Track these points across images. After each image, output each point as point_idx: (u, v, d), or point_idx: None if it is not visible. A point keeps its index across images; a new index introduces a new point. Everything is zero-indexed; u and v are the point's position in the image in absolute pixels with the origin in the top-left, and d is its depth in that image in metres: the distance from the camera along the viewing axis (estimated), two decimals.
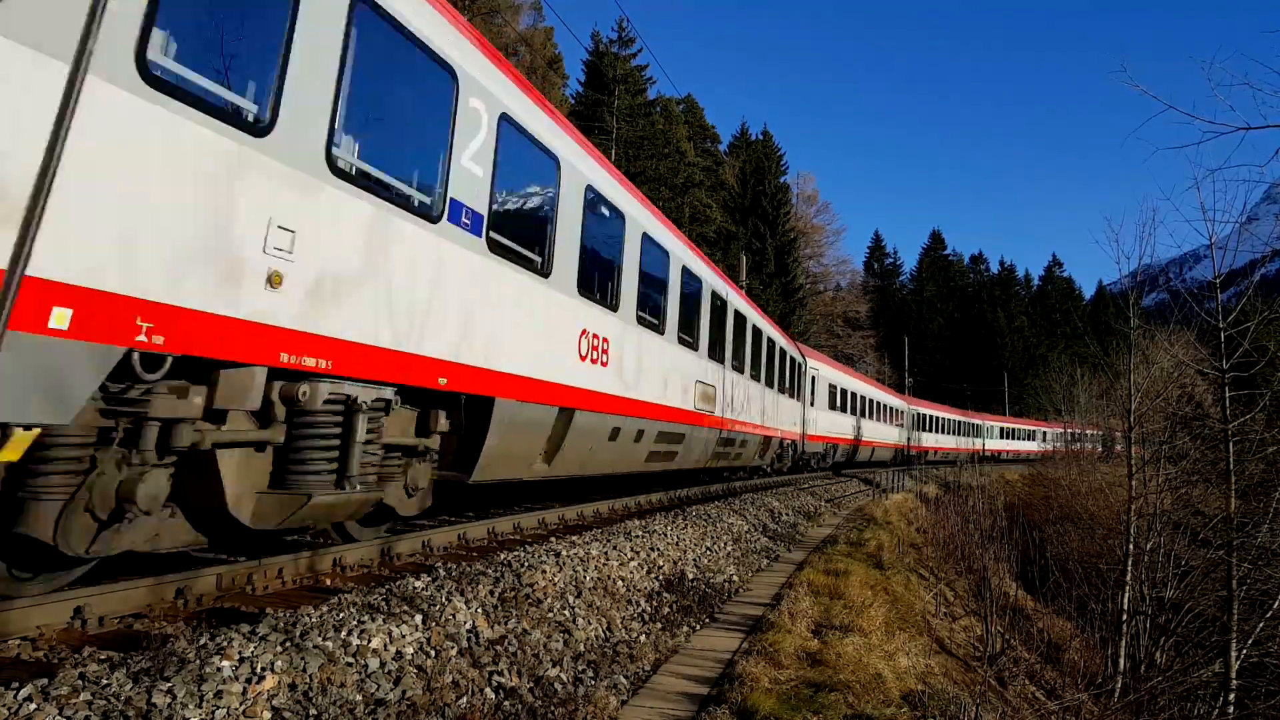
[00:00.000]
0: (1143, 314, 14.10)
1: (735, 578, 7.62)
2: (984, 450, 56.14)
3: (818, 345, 56.01)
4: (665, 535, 7.78)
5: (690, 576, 6.95)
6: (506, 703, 3.64)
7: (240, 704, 2.84)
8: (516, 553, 5.69)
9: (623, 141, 42.27)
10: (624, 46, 45.64)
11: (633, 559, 6.51)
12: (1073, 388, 32.24)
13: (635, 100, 43.97)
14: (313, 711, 2.98)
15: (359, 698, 3.18)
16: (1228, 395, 10.25)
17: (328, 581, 5.13)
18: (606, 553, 6.33)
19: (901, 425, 40.91)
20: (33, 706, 2.54)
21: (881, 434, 35.31)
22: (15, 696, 2.58)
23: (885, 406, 36.62)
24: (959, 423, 54.73)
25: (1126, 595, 11.00)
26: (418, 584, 4.45)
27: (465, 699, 3.53)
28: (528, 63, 37.86)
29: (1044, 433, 69.62)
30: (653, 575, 6.48)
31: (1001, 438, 63.10)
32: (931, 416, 48.83)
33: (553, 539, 6.77)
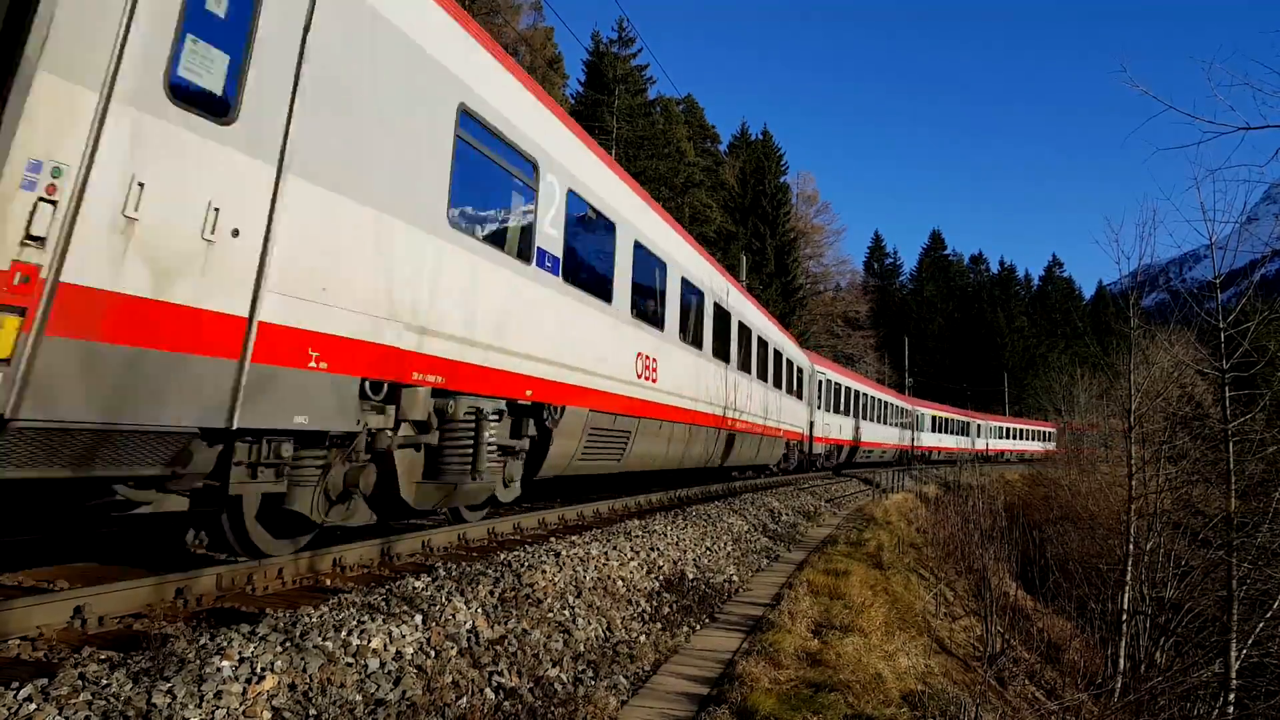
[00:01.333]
0: (1143, 314, 14.10)
1: (735, 578, 7.62)
2: (914, 446, 42.29)
3: (817, 346, 55.69)
4: (665, 535, 7.79)
5: (690, 576, 6.95)
6: (506, 703, 3.64)
7: (240, 704, 2.84)
8: (516, 553, 5.69)
9: (623, 141, 42.27)
10: (624, 46, 45.65)
11: (633, 559, 6.51)
12: (1073, 388, 32.20)
13: (635, 100, 43.98)
14: (313, 711, 2.98)
15: (359, 698, 3.18)
16: (1228, 395, 10.25)
17: (328, 581, 5.13)
18: (606, 553, 6.33)
19: (801, 397, 22.70)
20: (33, 706, 2.54)
21: (764, 405, 17.46)
22: (15, 696, 2.58)
23: (770, 350, 18.30)
24: (886, 404, 35.98)
25: (1126, 595, 11.00)
26: (418, 584, 4.45)
27: (465, 699, 3.53)
28: (528, 62, 37.87)
29: (978, 425, 55.40)
30: (653, 575, 6.48)
31: (935, 430, 47.78)
32: (852, 390, 29.92)
33: (553, 539, 6.77)
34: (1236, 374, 10.36)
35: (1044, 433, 64.59)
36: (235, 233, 4.02)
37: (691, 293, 12.52)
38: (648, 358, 10.44)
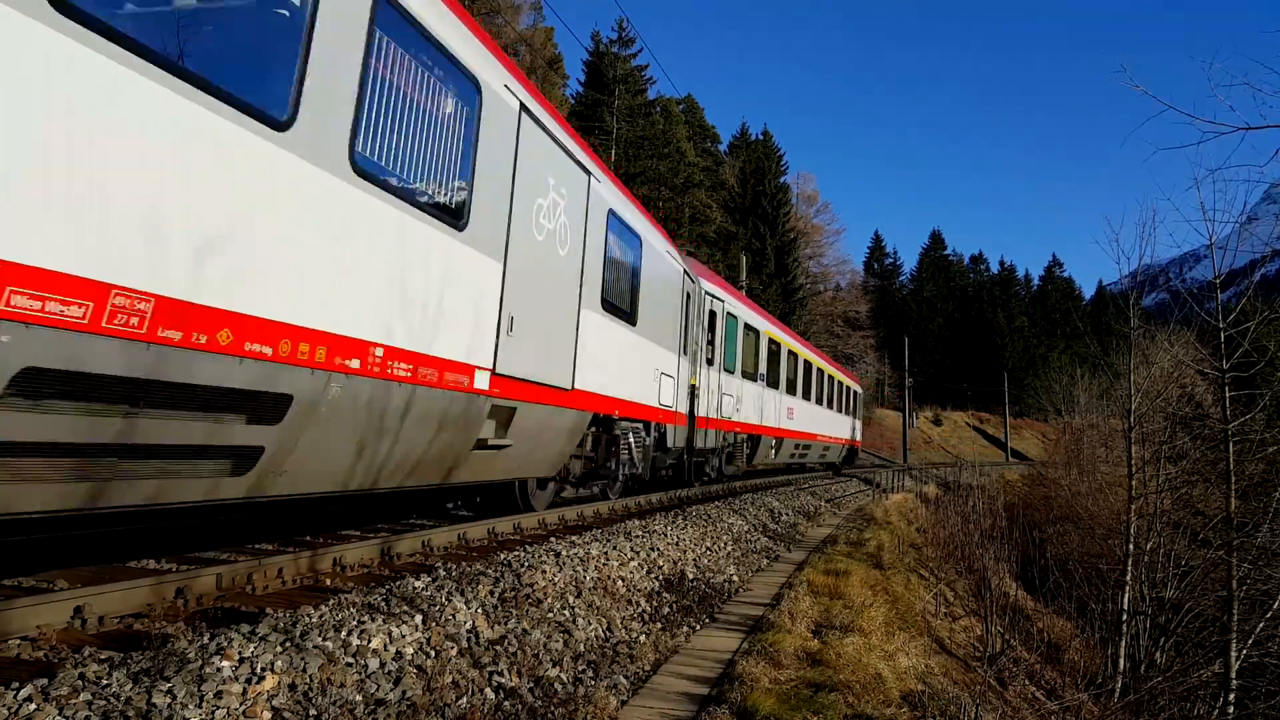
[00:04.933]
0: (1143, 314, 14.08)
1: (735, 578, 7.62)
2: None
3: (817, 345, 55.85)
4: (665, 535, 7.78)
5: (690, 576, 6.95)
6: (507, 703, 3.64)
7: (240, 704, 2.83)
8: (516, 553, 5.69)
9: (623, 141, 42.26)
10: (624, 46, 45.66)
11: (633, 559, 6.51)
12: (1073, 388, 32.12)
13: (635, 100, 43.97)
14: (313, 711, 2.98)
15: (359, 698, 3.18)
16: (1228, 395, 10.23)
17: (328, 581, 5.13)
18: (606, 553, 6.33)
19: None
20: (33, 706, 2.54)
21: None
22: (15, 696, 2.57)
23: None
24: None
25: (1126, 595, 10.99)
26: (418, 584, 4.45)
27: (465, 699, 3.53)
28: (528, 62, 37.86)
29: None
30: (653, 575, 6.48)
31: None
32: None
33: (552, 539, 6.77)
34: (1236, 374, 10.33)
35: (848, 390, 30.09)
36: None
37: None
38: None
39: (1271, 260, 12.02)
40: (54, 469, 3.21)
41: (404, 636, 3.71)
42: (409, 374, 5.08)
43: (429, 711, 3.31)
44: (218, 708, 2.77)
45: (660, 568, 6.74)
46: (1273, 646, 10.17)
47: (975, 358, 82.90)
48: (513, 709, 3.60)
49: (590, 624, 4.92)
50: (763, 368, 17.85)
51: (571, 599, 5.13)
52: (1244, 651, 9.62)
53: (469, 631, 4.08)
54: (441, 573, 4.81)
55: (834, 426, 27.03)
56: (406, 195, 5.05)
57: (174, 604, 4.23)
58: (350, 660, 3.37)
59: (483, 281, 6.09)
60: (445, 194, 5.58)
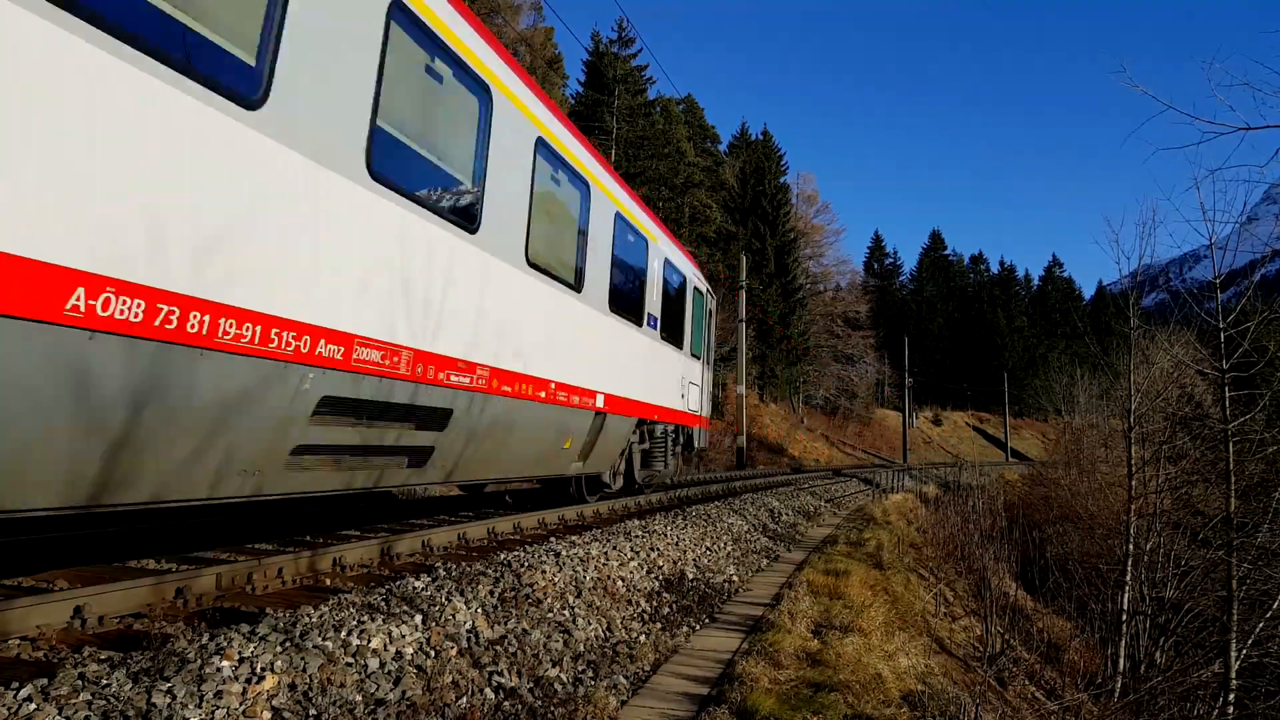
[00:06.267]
0: (1143, 314, 14.07)
1: (735, 578, 7.62)
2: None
3: (817, 346, 55.70)
4: (665, 535, 7.79)
5: (690, 576, 6.95)
6: (506, 703, 3.64)
7: (240, 704, 2.83)
8: (516, 553, 5.69)
9: (623, 141, 42.25)
10: (624, 46, 45.61)
11: (632, 559, 6.51)
12: (1073, 388, 32.13)
13: (635, 100, 43.92)
14: (312, 711, 2.98)
15: (359, 698, 3.18)
16: (1228, 395, 10.22)
17: (328, 581, 5.13)
18: (606, 553, 6.33)
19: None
20: (32, 706, 2.54)
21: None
22: (15, 696, 2.57)
23: None
24: None
25: (1126, 595, 10.99)
26: (418, 584, 4.45)
27: (465, 699, 3.53)
28: (528, 62, 37.85)
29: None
30: (652, 575, 6.48)
31: None
32: None
33: (552, 539, 6.77)
34: (1236, 374, 10.32)
35: (673, 278, 11.69)
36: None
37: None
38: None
39: (1271, 260, 12.00)
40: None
41: (404, 636, 3.71)
42: None
43: (429, 711, 3.31)
44: (218, 708, 2.77)
45: (660, 568, 6.74)
46: (1273, 646, 10.16)
47: (975, 358, 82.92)
48: (513, 709, 3.60)
49: (590, 624, 4.92)
50: None
51: (571, 599, 5.13)
52: (1244, 651, 9.62)
53: (469, 631, 4.08)
54: (441, 573, 4.81)
55: (598, 360, 8.71)
56: None
57: (174, 604, 4.23)
58: (350, 660, 3.37)
59: None
60: None
